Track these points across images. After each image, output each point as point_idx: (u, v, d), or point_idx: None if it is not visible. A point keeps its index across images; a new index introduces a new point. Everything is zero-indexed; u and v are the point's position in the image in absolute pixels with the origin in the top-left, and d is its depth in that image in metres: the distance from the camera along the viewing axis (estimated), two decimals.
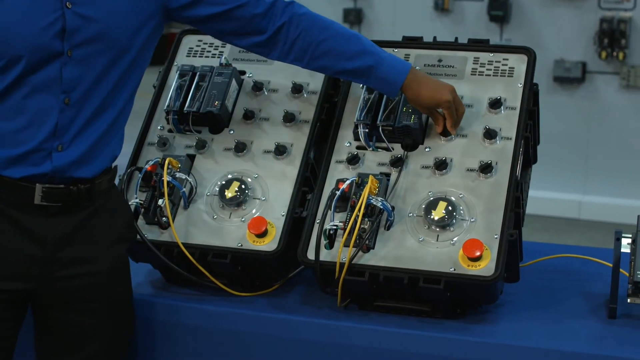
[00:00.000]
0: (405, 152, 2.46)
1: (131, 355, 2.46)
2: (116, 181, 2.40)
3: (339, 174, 2.46)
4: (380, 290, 2.33)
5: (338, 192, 2.34)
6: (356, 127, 2.49)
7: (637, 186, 7.28)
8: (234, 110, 2.63)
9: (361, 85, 2.53)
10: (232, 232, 2.44)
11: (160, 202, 2.45)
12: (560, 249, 2.81)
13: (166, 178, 2.45)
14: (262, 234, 2.40)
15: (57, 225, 2.20)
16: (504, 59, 2.56)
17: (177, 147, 2.60)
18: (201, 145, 2.57)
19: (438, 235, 2.31)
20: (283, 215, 2.43)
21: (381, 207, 2.32)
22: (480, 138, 2.44)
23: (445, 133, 2.45)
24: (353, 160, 2.47)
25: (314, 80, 2.61)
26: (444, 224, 2.31)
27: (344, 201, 2.35)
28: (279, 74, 2.65)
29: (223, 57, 2.68)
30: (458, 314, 2.35)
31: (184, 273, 2.44)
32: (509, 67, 2.54)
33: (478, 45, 2.61)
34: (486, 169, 2.37)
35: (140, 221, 2.48)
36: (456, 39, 2.66)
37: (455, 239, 2.29)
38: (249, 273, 2.47)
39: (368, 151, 2.49)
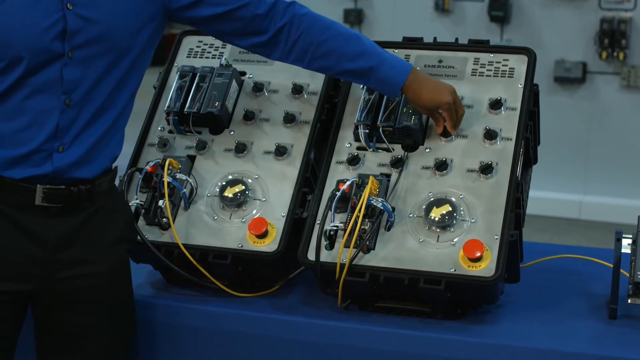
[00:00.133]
0: (406, 153, 2.46)
1: (132, 355, 2.46)
2: (116, 182, 2.40)
3: (339, 174, 2.46)
4: (381, 291, 2.33)
5: (338, 193, 2.35)
6: (356, 127, 2.49)
7: (638, 186, 7.28)
8: (234, 111, 2.63)
9: (361, 85, 2.53)
10: (233, 233, 2.44)
11: (160, 203, 2.45)
12: (560, 250, 2.82)
13: (166, 179, 2.45)
14: (263, 235, 2.40)
15: (57, 226, 2.20)
16: (504, 60, 2.56)
17: (177, 148, 2.60)
18: (201, 146, 2.57)
19: (438, 236, 2.31)
20: (283, 216, 2.43)
21: (381, 207, 2.32)
22: (481, 139, 2.44)
23: (445, 134, 2.45)
24: (353, 161, 2.47)
25: (314, 81, 2.61)
26: (445, 225, 2.31)
27: (345, 202, 2.35)
28: (279, 75, 2.65)
29: (223, 58, 2.68)
30: (458, 314, 2.35)
31: (185, 274, 2.44)
32: (509, 68, 2.54)
33: (478, 45, 2.61)
34: (486, 169, 2.37)
35: (141, 222, 2.48)
36: (456, 39, 2.66)
37: (455, 239, 2.29)
38: (249, 274, 2.48)
39: (368, 152, 2.49)
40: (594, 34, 7.20)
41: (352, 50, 2.38)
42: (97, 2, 2.16)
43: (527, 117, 2.46)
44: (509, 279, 2.40)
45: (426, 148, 2.46)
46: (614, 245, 2.37)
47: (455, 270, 2.24)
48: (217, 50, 2.75)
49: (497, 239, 2.27)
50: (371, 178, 2.35)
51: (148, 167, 2.48)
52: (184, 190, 2.49)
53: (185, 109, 2.58)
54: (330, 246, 2.33)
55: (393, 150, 2.48)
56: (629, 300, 2.29)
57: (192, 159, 2.57)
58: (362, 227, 2.30)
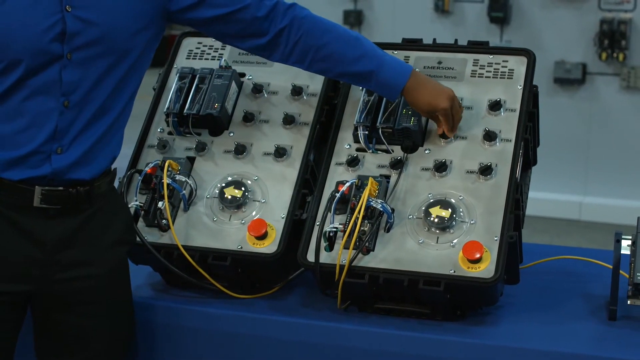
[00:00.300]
0: (405, 154, 2.46)
1: (131, 357, 2.46)
2: (116, 184, 2.40)
3: (338, 176, 2.46)
4: (380, 292, 2.33)
5: (338, 195, 2.35)
6: (356, 129, 2.49)
7: (638, 187, 7.28)
8: (233, 113, 2.63)
9: (361, 87, 2.53)
10: (232, 235, 2.44)
11: (160, 204, 2.45)
12: (560, 251, 2.81)
13: (166, 180, 2.45)
14: (262, 236, 2.40)
15: (56, 228, 2.20)
16: (503, 61, 2.56)
17: (177, 149, 2.60)
18: (201, 148, 2.57)
19: (438, 237, 2.31)
20: (283, 218, 2.43)
21: (381, 209, 2.32)
22: (480, 140, 2.44)
23: (445, 135, 2.45)
24: (353, 162, 2.47)
25: (314, 83, 2.61)
26: (444, 226, 2.31)
27: (344, 203, 2.35)
28: (278, 76, 2.65)
29: (223, 59, 2.68)
30: (458, 316, 2.35)
31: (184, 275, 2.44)
32: (509, 69, 2.54)
33: (478, 47, 2.61)
34: (486, 171, 2.37)
35: (140, 224, 2.48)
36: (456, 40, 2.66)
37: (455, 241, 2.29)
38: (249, 275, 2.48)
39: (368, 153, 2.49)
40: (593, 35, 7.20)
41: (353, 53, 2.38)
42: (97, 4, 2.16)
43: (526, 118, 2.46)
44: (509, 280, 2.40)
45: (425, 149, 2.46)
46: (613, 247, 2.37)
47: (454, 272, 2.25)
48: (217, 51, 2.75)
49: (496, 240, 2.27)
50: (370, 179, 2.35)
51: (147, 169, 2.48)
52: (184, 191, 2.49)
53: (185, 111, 2.58)
54: (330, 247, 2.33)
55: (392, 151, 2.48)
56: (629, 302, 2.29)
57: (191, 160, 2.57)
58: (362, 228, 2.31)
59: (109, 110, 2.22)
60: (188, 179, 2.51)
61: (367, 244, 2.30)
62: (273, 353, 2.38)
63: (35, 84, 2.13)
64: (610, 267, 2.36)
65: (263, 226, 2.40)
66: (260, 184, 2.50)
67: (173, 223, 2.46)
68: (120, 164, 2.43)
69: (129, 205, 2.45)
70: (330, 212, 2.34)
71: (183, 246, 2.42)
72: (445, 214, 2.31)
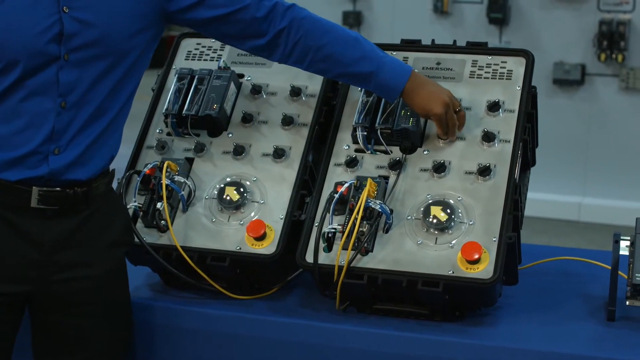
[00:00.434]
0: (404, 155, 2.46)
1: (130, 358, 2.46)
2: (114, 184, 2.40)
3: (337, 177, 2.46)
4: (379, 293, 2.33)
5: (336, 195, 2.35)
6: (354, 130, 2.49)
7: (637, 188, 7.28)
8: (232, 114, 2.63)
9: (359, 88, 2.53)
10: (231, 235, 2.44)
11: (158, 205, 2.45)
12: (559, 252, 2.81)
13: (165, 181, 2.45)
14: (261, 237, 2.40)
15: (53, 228, 2.20)
16: (502, 62, 2.56)
17: (175, 150, 2.60)
18: (200, 149, 2.57)
19: (436, 238, 2.31)
20: (282, 219, 2.43)
21: (380, 210, 2.32)
22: (479, 141, 2.44)
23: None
24: (351, 163, 2.47)
25: (313, 83, 2.61)
26: (443, 227, 2.31)
27: (343, 204, 2.35)
28: (277, 77, 2.65)
29: (221, 60, 2.68)
30: (457, 316, 2.35)
31: (183, 276, 2.44)
32: (507, 70, 2.54)
33: (476, 48, 2.62)
34: (485, 171, 2.37)
35: (139, 224, 2.48)
36: (454, 41, 2.66)
37: (453, 241, 2.29)
38: (247, 276, 2.48)
39: (366, 154, 2.49)
40: (592, 36, 7.20)
41: (352, 54, 2.38)
42: (94, 5, 2.16)
43: (525, 119, 2.46)
44: (507, 281, 2.39)
45: (424, 150, 2.46)
46: (612, 248, 2.37)
47: (453, 273, 2.25)
48: (216, 52, 2.75)
49: (495, 241, 2.27)
50: (369, 180, 2.35)
51: (146, 170, 2.48)
52: (182, 192, 2.49)
53: (184, 112, 2.58)
54: (329, 248, 2.33)
55: (391, 152, 2.48)
56: (627, 302, 2.29)
57: (190, 161, 2.57)
58: (360, 229, 2.31)
59: (106, 111, 2.22)
60: (187, 179, 2.51)
61: (365, 245, 2.30)
62: (272, 354, 2.38)
63: (33, 84, 2.13)
64: (609, 268, 2.36)
65: (262, 227, 2.40)
66: (259, 184, 2.50)
67: (172, 224, 2.46)
68: (119, 165, 2.43)
69: (128, 206, 2.46)
70: (329, 213, 2.34)
71: (182, 247, 2.42)
72: (444, 214, 2.31)
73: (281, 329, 2.36)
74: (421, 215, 2.34)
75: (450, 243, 2.29)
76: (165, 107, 2.61)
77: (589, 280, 2.60)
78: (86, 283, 2.25)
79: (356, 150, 2.50)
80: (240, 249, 2.41)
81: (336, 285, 2.31)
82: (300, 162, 2.51)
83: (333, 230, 2.33)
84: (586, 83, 7.34)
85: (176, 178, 2.49)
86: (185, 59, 2.77)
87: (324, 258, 2.33)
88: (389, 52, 2.60)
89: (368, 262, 2.31)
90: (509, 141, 2.42)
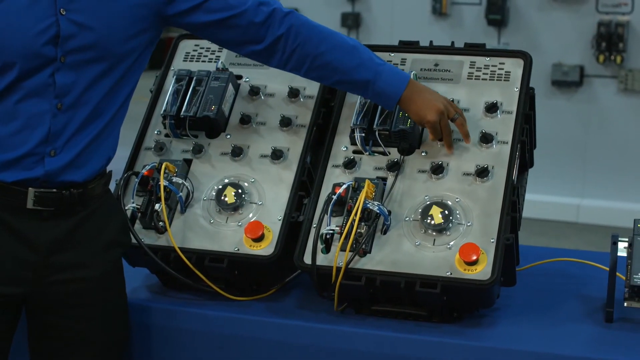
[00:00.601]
0: (402, 157, 2.46)
1: (128, 359, 2.46)
2: (113, 186, 2.40)
3: (335, 178, 2.46)
4: (377, 295, 2.33)
5: (334, 197, 2.35)
6: (352, 131, 2.49)
7: (636, 190, 7.28)
8: (230, 115, 2.63)
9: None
10: (229, 237, 2.44)
11: (157, 206, 2.45)
12: (557, 253, 2.81)
13: (163, 182, 2.45)
14: (259, 239, 2.40)
15: (50, 230, 2.20)
16: (500, 63, 2.56)
17: (173, 151, 2.60)
18: (198, 150, 2.58)
19: (434, 240, 2.31)
20: (280, 220, 2.43)
21: (378, 211, 2.32)
22: (477, 142, 2.44)
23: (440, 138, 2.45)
24: (349, 164, 2.47)
25: (311, 85, 2.61)
26: (441, 228, 2.31)
27: (341, 205, 2.35)
28: (275, 79, 2.65)
29: (220, 61, 2.68)
30: (455, 318, 2.35)
31: (181, 277, 2.44)
32: (505, 71, 2.54)
33: (474, 49, 2.62)
34: (482, 173, 2.37)
35: (137, 226, 2.48)
36: (452, 43, 2.66)
37: (451, 243, 2.29)
38: (245, 277, 2.48)
39: (364, 155, 2.49)
40: (591, 38, 7.20)
41: (350, 62, 2.37)
42: (91, 8, 2.16)
43: (523, 120, 2.46)
44: (505, 282, 2.40)
45: (422, 151, 2.46)
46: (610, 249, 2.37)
47: (451, 274, 2.25)
48: (214, 54, 2.75)
49: (493, 242, 2.27)
50: (367, 182, 2.35)
51: (144, 171, 2.48)
52: (180, 193, 2.49)
53: (182, 113, 2.58)
54: (327, 250, 2.33)
55: (389, 153, 2.48)
56: (625, 304, 2.29)
57: (188, 162, 2.57)
58: (358, 230, 2.31)
59: (102, 113, 2.22)
60: (185, 181, 2.51)
61: (363, 246, 2.30)
62: (270, 355, 2.38)
63: (29, 86, 2.13)
64: (607, 269, 2.36)
65: (260, 228, 2.40)
66: (257, 186, 2.50)
67: (170, 225, 2.46)
68: (117, 166, 2.43)
69: (126, 208, 2.46)
70: (327, 214, 2.34)
71: (180, 248, 2.42)
72: (442, 216, 2.31)
73: (279, 330, 2.36)
74: (419, 217, 2.34)
75: (448, 244, 2.29)
76: (163, 108, 2.61)
77: (587, 281, 2.60)
78: (83, 284, 2.25)
79: (354, 152, 2.50)
80: (238, 250, 2.41)
81: (334, 286, 2.31)
82: (298, 163, 2.51)
83: (331, 231, 2.33)
84: (585, 84, 7.34)
85: (174, 179, 2.49)
86: (184, 61, 2.77)
87: (322, 259, 2.33)
88: (387, 53, 2.61)
89: (366, 263, 2.31)
90: (506, 142, 2.42)
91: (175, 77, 2.66)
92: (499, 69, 2.55)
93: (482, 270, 2.23)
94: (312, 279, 2.33)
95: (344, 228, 2.30)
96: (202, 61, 2.75)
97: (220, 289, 2.46)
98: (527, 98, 2.50)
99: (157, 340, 2.47)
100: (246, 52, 2.41)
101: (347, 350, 2.31)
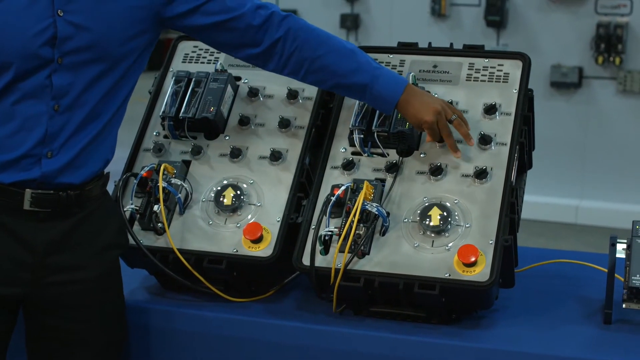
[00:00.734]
0: (401, 158, 2.46)
1: None
2: (111, 187, 2.40)
3: (334, 179, 2.46)
4: (376, 296, 2.33)
5: (333, 198, 2.35)
6: (351, 133, 2.49)
7: (634, 191, 7.29)
8: (229, 116, 2.63)
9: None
10: (228, 238, 2.44)
11: (155, 208, 2.45)
12: (555, 254, 2.82)
13: (161, 184, 2.45)
14: (258, 240, 2.40)
15: (46, 231, 2.20)
16: (499, 65, 2.57)
17: (172, 153, 2.60)
18: (197, 151, 2.58)
19: (433, 241, 2.31)
20: (278, 221, 2.43)
21: (376, 212, 2.32)
22: (475, 144, 2.44)
23: (441, 138, 2.45)
24: (348, 166, 2.47)
25: (310, 86, 2.61)
26: (439, 230, 2.31)
27: (339, 207, 2.35)
28: (274, 80, 2.65)
29: (218, 63, 2.68)
30: (453, 319, 2.35)
31: (180, 279, 2.44)
32: (504, 73, 2.54)
33: (473, 50, 2.62)
34: (481, 174, 2.37)
35: (136, 227, 2.48)
36: (451, 44, 2.66)
37: (450, 244, 2.29)
38: (244, 279, 2.48)
39: (363, 157, 2.49)
40: (590, 39, 7.21)
41: (347, 66, 2.37)
42: (89, 10, 2.15)
43: (521, 122, 2.46)
44: (504, 283, 2.40)
45: (421, 153, 2.47)
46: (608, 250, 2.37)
47: (449, 275, 2.25)
48: (213, 55, 2.75)
49: (491, 243, 2.27)
50: (366, 183, 2.35)
51: (143, 172, 2.48)
52: (179, 195, 2.49)
53: (181, 114, 2.58)
54: (325, 251, 2.33)
55: (388, 155, 2.48)
56: (624, 305, 2.29)
57: (187, 164, 2.57)
58: (357, 232, 2.31)
59: (100, 114, 2.22)
60: (184, 182, 2.51)
61: (362, 248, 2.30)
62: (268, 356, 2.38)
63: (26, 87, 2.13)
64: (606, 270, 2.36)
65: (258, 230, 2.40)
66: (255, 187, 2.50)
67: (169, 226, 2.46)
68: (116, 168, 2.43)
69: (125, 209, 2.46)
70: (326, 216, 2.34)
71: (178, 249, 2.42)
72: (441, 217, 2.31)
73: (278, 332, 2.36)
74: (418, 218, 2.34)
75: (447, 246, 2.29)
76: (162, 109, 2.61)
77: (586, 283, 2.60)
78: (80, 286, 2.25)
79: (353, 153, 2.50)
80: (237, 251, 2.41)
81: (333, 288, 2.31)
82: (297, 164, 2.51)
83: (330, 233, 2.33)
84: (583, 86, 7.34)
85: (173, 181, 2.49)
86: (183, 62, 2.77)
87: (320, 261, 2.33)
88: (386, 55, 2.61)
89: (365, 264, 2.31)
90: (505, 144, 2.42)
91: (174, 78, 2.66)
92: (498, 70, 2.55)
93: (481, 272, 2.23)
94: (311, 280, 2.34)
95: (343, 229, 2.30)
96: (201, 62, 2.75)
97: (218, 290, 2.46)
98: (525, 99, 2.50)
99: (155, 342, 2.46)
100: (243, 56, 2.41)
101: (346, 351, 2.31)
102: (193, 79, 2.63)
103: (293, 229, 2.42)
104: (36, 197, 2.17)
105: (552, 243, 6.84)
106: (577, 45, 7.29)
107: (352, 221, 2.30)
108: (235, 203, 2.46)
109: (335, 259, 2.30)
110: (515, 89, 2.51)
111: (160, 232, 2.46)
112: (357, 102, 2.51)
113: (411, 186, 2.41)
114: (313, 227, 2.38)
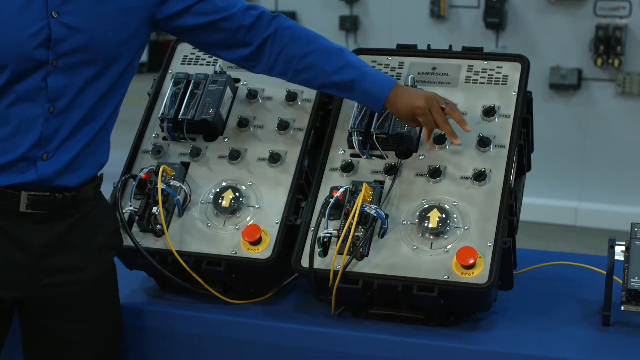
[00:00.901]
0: (399, 160, 2.46)
1: None
2: (109, 188, 2.40)
3: (333, 181, 2.46)
4: (374, 298, 2.33)
5: (332, 200, 2.35)
6: (350, 134, 2.49)
7: (633, 193, 7.29)
8: (228, 118, 2.63)
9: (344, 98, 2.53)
10: (226, 240, 2.44)
11: (154, 209, 2.45)
12: (554, 256, 2.82)
13: (160, 186, 2.45)
14: (256, 242, 2.40)
15: (43, 233, 2.19)
16: (497, 67, 2.57)
17: (171, 154, 2.60)
18: (195, 153, 2.58)
19: (432, 243, 2.31)
20: (277, 223, 2.43)
21: (375, 214, 2.32)
22: (474, 146, 2.44)
23: (439, 140, 2.45)
24: (347, 168, 2.47)
25: (308, 89, 2.61)
26: (438, 232, 2.31)
27: (338, 209, 2.35)
28: (273, 82, 2.65)
29: (217, 65, 2.68)
30: (452, 321, 2.35)
31: (178, 281, 2.44)
32: (503, 75, 2.55)
33: (472, 53, 2.62)
34: (480, 176, 2.37)
35: (135, 229, 2.48)
36: (450, 46, 2.66)
37: (449, 246, 2.29)
38: (243, 280, 2.48)
39: (362, 159, 2.49)
40: (589, 41, 7.21)
41: (335, 63, 2.38)
42: (82, 11, 2.15)
43: (520, 124, 2.46)
44: (502, 286, 2.40)
45: (420, 155, 2.47)
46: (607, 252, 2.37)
47: (448, 277, 2.25)
48: (212, 57, 2.75)
49: (490, 246, 2.27)
50: (365, 185, 2.35)
51: (142, 174, 2.48)
52: (178, 197, 2.49)
53: (180, 116, 2.58)
54: (324, 253, 2.33)
55: (387, 157, 2.48)
56: (622, 307, 2.29)
57: (186, 165, 2.57)
58: (356, 234, 2.31)
59: (95, 117, 2.22)
60: (182, 184, 2.51)
61: (361, 250, 2.30)
62: (267, 358, 2.38)
63: (21, 89, 2.12)
64: (604, 272, 2.36)
65: (257, 231, 2.40)
66: (254, 189, 2.50)
67: (167, 228, 2.46)
68: (115, 169, 2.43)
69: (123, 211, 2.46)
70: (325, 218, 2.34)
71: (177, 251, 2.42)
72: (439, 219, 2.31)
73: (276, 334, 2.36)
74: (416, 220, 2.34)
75: (446, 248, 2.29)
76: (161, 111, 2.61)
77: (584, 285, 2.60)
78: (76, 287, 2.25)
79: (352, 155, 2.50)
80: (235, 253, 2.41)
81: (331, 289, 2.31)
82: (295, 166, 2.51)
83: (328, 234, 2.33)
84: (582, 88, 7.35)
85: (172, 182, 2.49)
86: (181, 64, 2.77)
87: (319, 263, 2.33)
88: (385, 57, 2.61)
89: (363, 266, 2.31)
90: (504, 146, 2.43)
91: (173, 80, 2.66)
92: (497, 72, 2.55)
93: (480, 274, 2.23)
94: (310, 282, 2.34)
95: (342, 231, 2.30)
96: (200, 64, 2.75)
97: (217, 292, 2.46)
98: (524, 101, 2.50)
99: (154, 344, 2.46)
100: (234, 57, 2.42)
101: (344, 353, 2.31)
102: (192, 81, 2.63)
103: (292, 230, 2.42)
104: (32, 199, 2.16)
105: (551, 245, 6.84)
106: (576, 47, 7.29)
107: (351, 223, 2.30)
108: (234, 205, 2.46)
109: (334, 261, 2.30)
110: (514, 91, 2.51)
111: (159, 233, 2.46)
112: (356, 104, 2.51)
113: (410, 188, 2.41)
114: (312, 229, 2.38)
